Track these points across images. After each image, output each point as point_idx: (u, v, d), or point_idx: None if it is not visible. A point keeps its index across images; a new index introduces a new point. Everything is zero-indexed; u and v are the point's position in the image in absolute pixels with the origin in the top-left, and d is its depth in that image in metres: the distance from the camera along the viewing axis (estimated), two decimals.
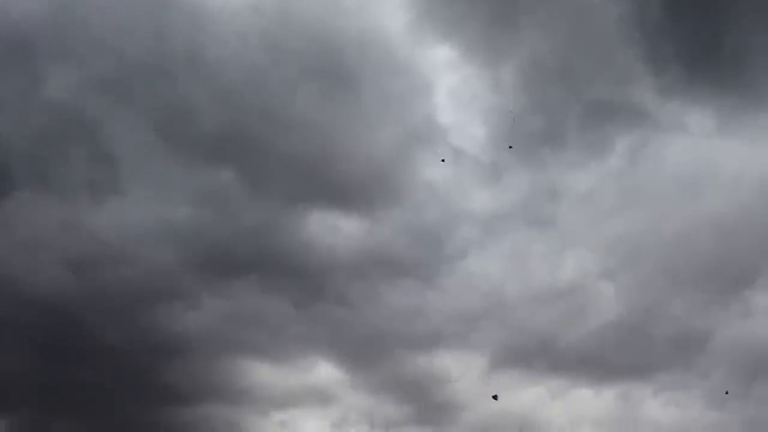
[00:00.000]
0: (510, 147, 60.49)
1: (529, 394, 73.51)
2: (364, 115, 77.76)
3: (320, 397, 75.13)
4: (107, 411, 69.92)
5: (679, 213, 77.64)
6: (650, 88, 78.70)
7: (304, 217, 76.23)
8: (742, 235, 75.76)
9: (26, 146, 72.24)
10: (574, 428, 73.75)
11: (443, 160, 64.08)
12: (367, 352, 75.70)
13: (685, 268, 76.87)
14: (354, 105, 77.46)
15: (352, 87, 77.55)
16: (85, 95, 73.87)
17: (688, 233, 76.27)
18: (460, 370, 75.31)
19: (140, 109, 75.33)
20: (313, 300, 76.21)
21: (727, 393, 56.64)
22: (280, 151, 76.28)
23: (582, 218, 79.28)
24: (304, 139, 76.29)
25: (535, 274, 77.64)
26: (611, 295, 76.80)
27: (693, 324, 75.17)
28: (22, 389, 67.60)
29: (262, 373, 75.02)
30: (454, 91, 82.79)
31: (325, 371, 75.89)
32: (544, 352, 72.77)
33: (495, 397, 52.38)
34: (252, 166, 76.72)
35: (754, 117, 78.16)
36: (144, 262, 71.34)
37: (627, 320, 75.07)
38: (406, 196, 77.66)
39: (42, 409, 69.41)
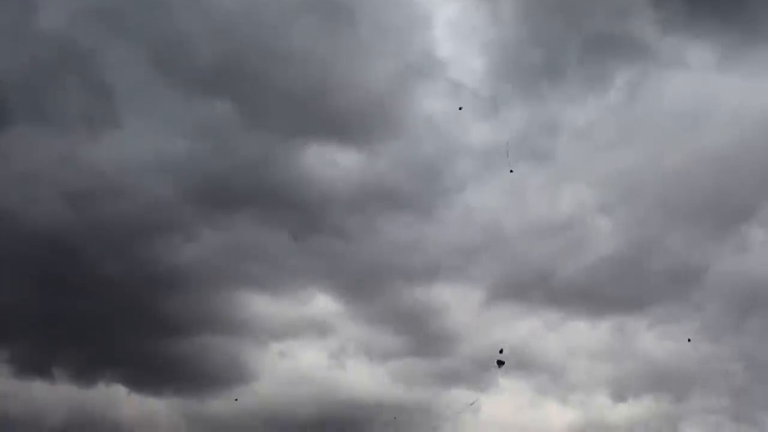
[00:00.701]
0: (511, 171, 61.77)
1: (525, 327, 74.29)
2: (362, 48, 76.78)
3: (318, 329, 75.76)
4: (107, 342, 70.76)
5: (677, 148, 77.37)
6: (651, 22, 77.63)
7: (301, 150, 75.97)
8: (740, 170, 75.62)
9: (21, 79, 71.59)
10: (570, 360, 74.98)
11: (461, 108, 64.35)
12: (364, 284, 76.23)
13: (683, 203, 76.97)
14: (352, 37, 76.42)
15: (349, 19, 76.41)
16: (80, 26, 72.93)
17: (687, 168, 76.15)
18: (458, 303, 75.91)
19: (136, 40, 74.33)
20: (311, 233, 76.56)
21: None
22: (277, 83, 75.57)
23: (580, 152, 79.09)
24: (302, 71, 75.48)
25: (533, 207, 77.79)
26: (608, 229, 77.11)
27: (689, 258, 75.60)
28: (22, 321, 68.30)
29: (260, 305, 75.59)
30: (453, 23, 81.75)
31: (322, 303, 76.40)
32: (540, 285, 73.04)
33: (501, 363, 49.90)
34: (249, 98, 75.94)
35: (754, 52, 77.38)
36: (142, 195, 71.40)
37: (624, 254, 75.44)
38: (404, 129, 77.20)
39: (43, 341, 70.33)
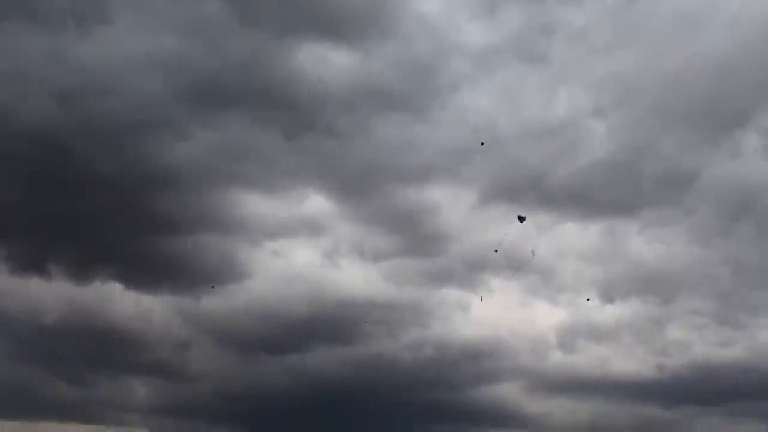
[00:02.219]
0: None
1: (516, 228, 74.84)
2: None
3: (311, 228, 76.39)
4: (103, 240, 71.41)
5: (675, 51, 76.51)
6: None
7: (294, 49, 75.07)
8: (738, 75, 74.89)
9: None
10: (560, 262, 75.94)
11: (482, 144, 64.18)
12: (357, 184, 76.63)
13: (678, 107, 76.74)
14: None
15: None
16: None
17: (684, 72, 75.41)
18: (450, 204, 76.42)
19: None
20: (304, 132, 76.24)
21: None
22: None
23: (576, 54, 78.50)
24: None
25: (527, 109, 77.61)
26: (602, 132, 77.11)
27: (682, 163, 75.97)
28: (17, 219, 68.67)
29: (253, 204, 76.02)
30: None
31: (315, 203, 76.99)
32: (533, 188, 72.86)
33: (521, 219, 49.53)
34: None
35: None
36: (132, 93, 70.89)
37: (617, 158, 75.62)
38: (398, 28, 76.27)
39: (38, 238, 70.98)
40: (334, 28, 74.52)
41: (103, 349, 68.47)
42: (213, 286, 70.58)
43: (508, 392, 73.38)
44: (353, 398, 69.16)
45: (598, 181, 74.97)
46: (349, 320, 71.56)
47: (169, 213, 71.81)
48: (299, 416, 68.13)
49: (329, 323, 71.66)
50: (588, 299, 69.49)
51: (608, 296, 73.70)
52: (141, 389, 70.37)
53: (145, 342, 70.34)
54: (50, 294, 70.02)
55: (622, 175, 75.65)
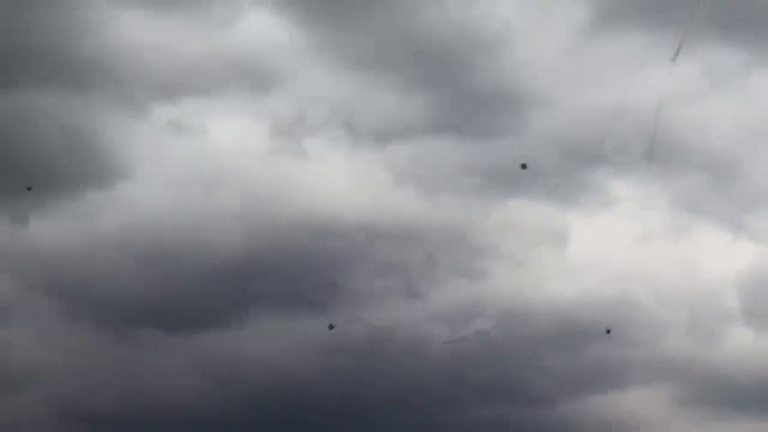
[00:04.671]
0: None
1: (662, 75, 40.22)
2: None
3: (248, 76, 46.76)
4: None
5: None
6: None
7: None
8: None
9: None
10: (759, 146, 43.93)
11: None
12: None
13: None
14: None
15: None
16: None
17: None
18: (530, 30, 45.55)
19: None
20: None
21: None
22: None
23: None
24: None
25: None
26: None
27: None
28: None
29: (131, 30, 46.27)
30: None
31: (257, 25, 46.57)
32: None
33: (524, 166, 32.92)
34: None
35: None
36: None
37: None
38: None
39: None
40: None
41: None
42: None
43: (644, 407, 43.04)
44: (331, 420, 39.41)
45: None
46: (325, 263, 41.82)
47: None
48: None
49: (284, 269, 42.41)
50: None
51: None
52: None
53: None
54: None
55: None
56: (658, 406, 43.52)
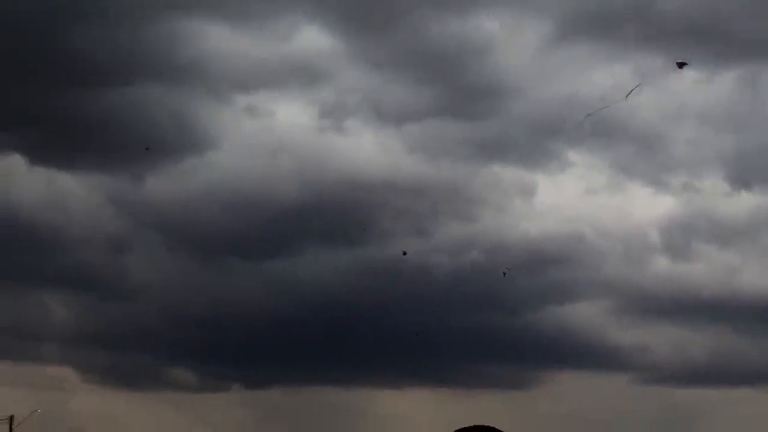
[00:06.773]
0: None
1: (606, 77, 59.91)
2: None
3: (303, 75, 63.90)
4: None
5: None
6: None
7: None
8: None
9: None
10: (670, 127, 61.65)
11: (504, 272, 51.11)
12: (372, 11, 61.14)
13: None
14: None
15: None
16: None
17: None
18: (510, 40, 60.35)
19: None
20: None
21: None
22: None
23: None
24: None
25: None
26: None
27: None
28: None
29: (218, 40, 60.52)
30: None
31: (310, 37, 61.10)
32: (634, 19, 59.65)
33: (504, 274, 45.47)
34: None
35: None
36: None
37: None
38: None
39: None
40: None
41: None
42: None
43: (588, 315, 61.15)
44: (363, 324, 55.73)
45: (730, 9, 59.99)
46: (358, 210, 57.76)
47: (93, 54, 56.26)
48: (286, 348, 56.89)
49: (329, 214, 57.92)
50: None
51: (741, 179, 59.17)
52: (58, 310, 59.42)
53: (61, 241, 58.83)
54: None
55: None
56: (599, 315, 60.41)
